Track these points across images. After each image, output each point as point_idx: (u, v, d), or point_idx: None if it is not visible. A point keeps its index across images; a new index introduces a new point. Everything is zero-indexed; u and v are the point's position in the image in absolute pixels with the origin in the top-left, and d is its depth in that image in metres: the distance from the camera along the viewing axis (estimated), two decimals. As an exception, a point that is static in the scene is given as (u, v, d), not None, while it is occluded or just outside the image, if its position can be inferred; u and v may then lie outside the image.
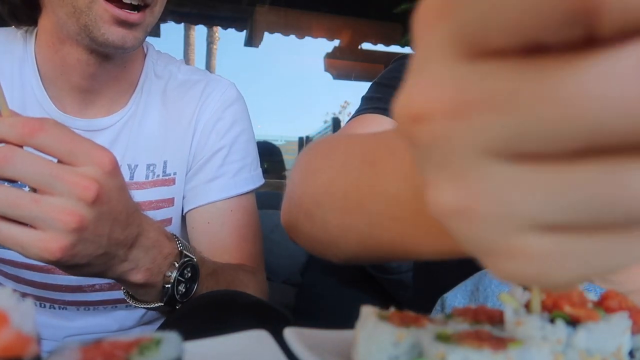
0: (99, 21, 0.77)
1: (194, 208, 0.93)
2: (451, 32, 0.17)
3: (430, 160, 0.19)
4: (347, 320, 0.42)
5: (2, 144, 0.52)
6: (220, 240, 0.92)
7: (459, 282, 0.63)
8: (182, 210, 0.96)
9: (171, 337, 0.34)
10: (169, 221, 0.94)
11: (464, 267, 0.80)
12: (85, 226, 0.53)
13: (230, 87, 1.00)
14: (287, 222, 0.56)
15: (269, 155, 3.68)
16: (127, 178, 0.91)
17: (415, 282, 1.01)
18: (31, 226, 0.52)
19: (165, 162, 0.93)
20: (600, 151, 0.16)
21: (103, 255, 0.58)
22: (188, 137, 0.94)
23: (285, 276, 1.62)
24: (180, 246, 0.69)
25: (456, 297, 0.58)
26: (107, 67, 0.87)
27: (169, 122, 0.94)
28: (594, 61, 0.15)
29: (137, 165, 0.91)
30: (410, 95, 0.18)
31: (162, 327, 0.72)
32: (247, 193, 0.96)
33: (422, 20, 0.18)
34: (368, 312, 0.35)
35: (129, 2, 0.78)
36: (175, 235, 0.70)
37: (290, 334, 0.37)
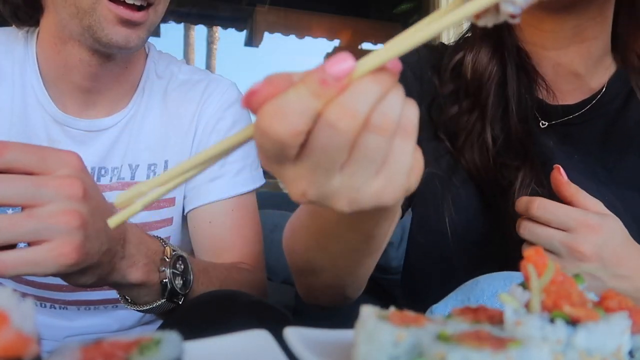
0: (103, 22, 0.77)
1: (196, 208, 0.93)
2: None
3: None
4: (347, 320, 0.42)
5: None
6: (221, 239, 0.92)
7: (441, 285, 0.63)
8: (183, 210, 0.96)
9: (171, 337, 0.34)
10: (169, 221, 0.94)
11: (447, 272, 0.79)
12: (86, 221, 0.53)
13: (231, 87, 1.00)
14: (301, 293, 0.74)
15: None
16: (127, 178, 0.91)
17: (403, 284, 1.01)
18: (32, 244, 0.51)
19: (166, 162, 0.93)
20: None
21: (107, 252, 0.58)
22: (189, 137, 0.95)
23: (285, 276, 1.62)
24: (162, 243, 0.70)
25: (446, 308, 0.57)
26: (109, 67, 0.87)
27: (170, 122, 0.94)
28: None
29: (138, 165, 0.91)
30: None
31: (162, 327, 0.72)
32: (247, 193, 0.96)
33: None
34: (368, 312, 0.35)
35: (131, 2, 0.78)
36: (156, 236, 0.71)
37: (290, 334, 0.37)
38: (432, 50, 0.89)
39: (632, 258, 0.62)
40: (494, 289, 0.53)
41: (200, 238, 0.93)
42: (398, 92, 0.35)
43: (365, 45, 4.86)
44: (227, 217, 0.93)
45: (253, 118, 0.34)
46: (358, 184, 0.36)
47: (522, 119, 0.77)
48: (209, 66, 11.13)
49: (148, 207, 0.90)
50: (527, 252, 0.37)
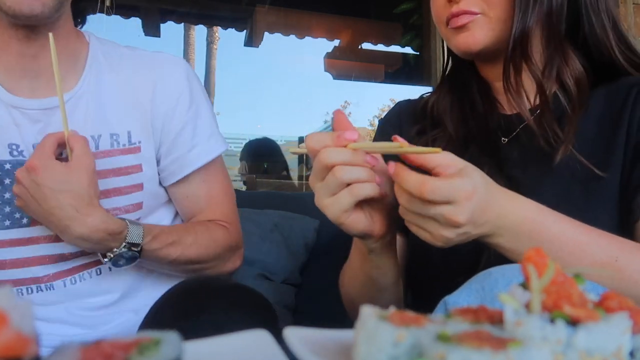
0: None
1: (174, 183, 1.04)
2: None
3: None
4: (347, 320, 0.43)
5: None
6: (198, 207, 1.07)
7: (444, 284, 0.64)
8: (159, 180, 1.03)
9: (171, 337, 0.34)
10: (140, 186, 0.99)
11: (447, 271, 0.81)
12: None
13: (183, 64, 1.05)
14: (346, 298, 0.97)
15: (269, 155, 3.66)
16: (92, 148, 0.94)
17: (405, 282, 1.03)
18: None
19: (129, 132, 0.98)
20: None
21: None
22: (147, 116, 0.99)
23: (285, 276, 1.62)
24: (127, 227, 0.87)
25: (460, 296, 0.57)
26: (42, 43, 0.89)
27: (125, 96, 0.99)
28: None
29: (100, 135, 0.96)
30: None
31: (144, 323, 0.76)
32: (217, 157, 1.07)
33: None
34: (368, 312, 0.35)
35: None
36: (123, 219, 0.88)
37: (290, 334, 0.37)
38: (411, 102, 1.09)
39: (493, 203, 0.65)
40: (508, 279, 0.54)
41: (180, 207, 1.08)
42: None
43: (365, 45, 4.85)
44: (201, 190, 1.06)
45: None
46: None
47: (487, 131, 0.94)
48: (209, 66, 11.12)
49: (117, 173, 0.98)
50: (528, 252, 0.37)
